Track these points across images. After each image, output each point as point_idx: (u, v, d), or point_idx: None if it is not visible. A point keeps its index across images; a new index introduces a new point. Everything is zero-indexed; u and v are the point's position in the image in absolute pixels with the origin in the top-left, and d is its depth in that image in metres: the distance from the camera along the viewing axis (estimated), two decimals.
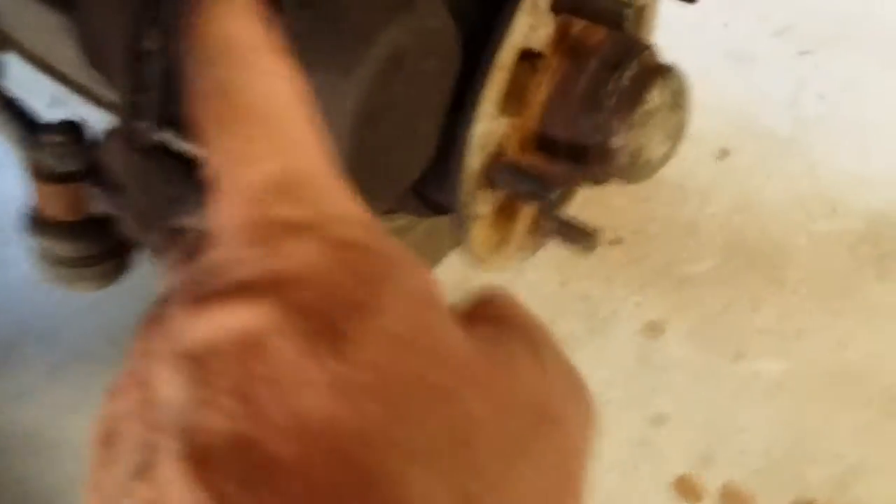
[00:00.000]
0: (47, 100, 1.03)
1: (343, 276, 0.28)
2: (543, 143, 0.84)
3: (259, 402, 0.25)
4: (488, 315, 0.35)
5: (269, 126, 0.34)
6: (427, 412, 0.26)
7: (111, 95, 1.30)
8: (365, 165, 0.68)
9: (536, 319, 0.37)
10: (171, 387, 0.27)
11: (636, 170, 0.84)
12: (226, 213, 0.33)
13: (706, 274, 1.81)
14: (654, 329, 1.69)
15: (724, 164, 1.98)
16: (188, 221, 0.75)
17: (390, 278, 0.29)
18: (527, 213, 0.90)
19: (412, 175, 0.75)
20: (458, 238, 1.54)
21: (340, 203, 0.33)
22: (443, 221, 1.42)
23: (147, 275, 1.18)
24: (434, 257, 1.37)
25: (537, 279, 1.74)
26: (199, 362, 0.26)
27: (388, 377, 0.26)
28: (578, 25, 0.83)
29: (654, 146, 0.83)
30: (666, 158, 0.85)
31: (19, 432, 1.50)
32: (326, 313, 0.27)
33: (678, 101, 0.84)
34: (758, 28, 2.14)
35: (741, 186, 1.93)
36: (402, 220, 1.07)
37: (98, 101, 1.36)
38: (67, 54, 1.27)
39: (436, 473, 0.25)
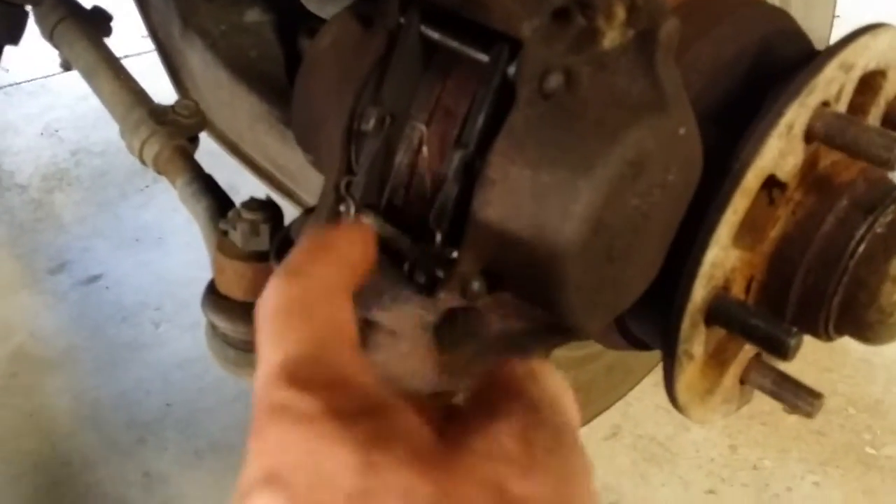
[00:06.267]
0: (223, 186, 1.02)
1: (312, 455, 0.35)
2: (773, 285, 0.75)
3: None
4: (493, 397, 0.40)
5: (303, 316, 0.40)
6: None
7: (298, 186, 1.30)
8: (585, 279, 0.60)
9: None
10: None
11: (883, 330, 0.73)
12: (254, 396, 0.39)
13: (893, 461, 1.62)
14: None
15: None
16: (381, 316, 0.69)
17: (350, 439, 0.35)
18: (739, 362, 0.79)
19: (631, 298, 0.66)
20: (639, 378, 1.44)
21: (328, 368, 0.38)
22: (629, 358, 1.32)
23: None
24: (611, 394, 1.27)
25: (704, 439, 1.59)
26: None
27: None
28: (829, 158, 0.74)
29: None
30: None
31: None
32: (312, 495, 0.34)
33: None
34: None
35: None
36: (591, 349, 0.98)
37: (280, 189, 1.35)
38: (261, 140, 1.28)
39: None
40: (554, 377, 0.41)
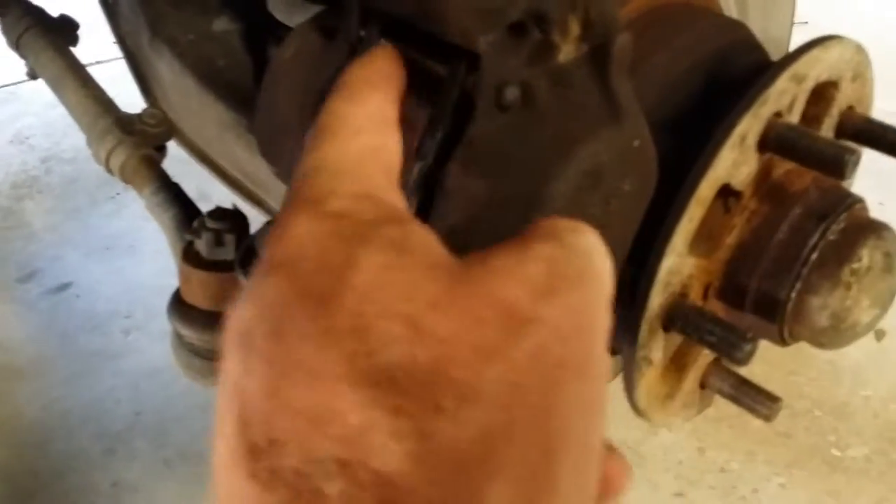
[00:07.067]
0: (193, 194, 1.03)
1: (326, 246, 0.34)
2: (729, 292, 0.76)
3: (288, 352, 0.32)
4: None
5: (337, 130, 0.42)
6: (392, 342, 0.31)
7: (267, 195, 1.30)
8: None
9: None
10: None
11: (835, 335, 0.74)
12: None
13: (857, 463, 1.65)
14: None
15: (882, 346, 1.84)
16: None
17: (367, 240, 0.34)
18: (698, 367, 0.81)
19: None
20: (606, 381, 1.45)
21: (359, 183, 0.39)
22: None
23: None
24: None
25: (672, 442, 1.61)
26: (245, 337, 0.34)
27: (366, 320, 0.31)
28: (783, 167, 0.75)
29: (860, 311, 0.74)
30: (870, 327, 0.76)
31: None
32: (315, 278, 0.33)
33: (891, 263, 0.74)
34: None
35: None
36: None
37: (250, 198, 1.35)
38: (230, 149, 1.28)
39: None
40: (597, 239, 0.39)
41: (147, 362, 1.68)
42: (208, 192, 1.42)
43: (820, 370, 1.82)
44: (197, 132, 1.29)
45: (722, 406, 0.93)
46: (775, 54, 0.91)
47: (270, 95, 0.75)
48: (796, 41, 1.34)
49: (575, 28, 0.62)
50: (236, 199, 1.32)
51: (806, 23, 1.22)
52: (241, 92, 1.25)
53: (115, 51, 1.64)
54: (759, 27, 0.98)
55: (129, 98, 1.24)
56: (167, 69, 1.30)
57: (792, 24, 1.08)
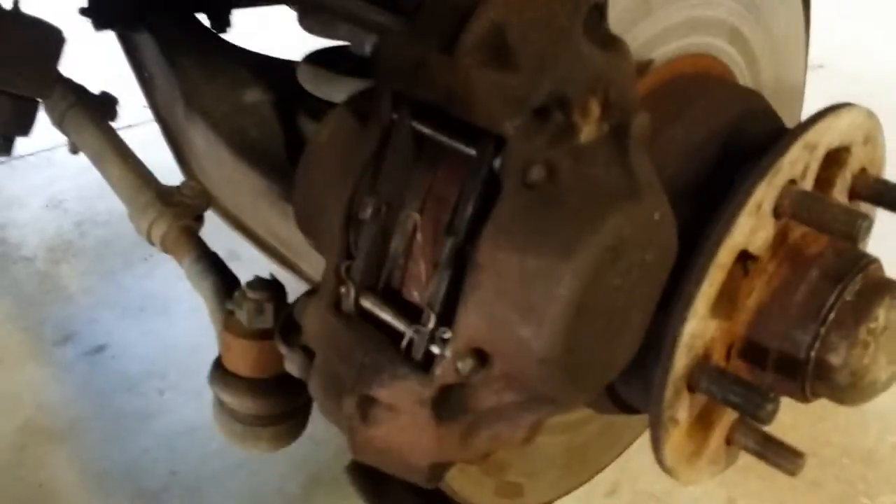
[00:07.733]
0: (224, 254, 1.07)
1: None
2: (751, 352, 0.79)
3: None
4: None
5: None
6: None
7: (301, 260, 1.34)
8: (571, 357, 0.65)
9: None
10: None
11: (855, 392, 0.76)
12: None
13: None
14: None
15: None
16: (381, 392, 0.73)
17: None
18: (724, 424, 0.83)
19: (616, 371, 0.70)
20: (630, 440, 1.48)
21: None
22: (619, 421, 1.35)
23: (301, 443, 1.16)
24: (610, 452, 1.30)
25: (702, 493, 1.62)
26: None
27: None
28: (799, 230, 0.78)
29: (878, 369, 0.76)
30: (888, 384, 0.78)
31: None
32: None
33: None
34: None
35: None
36: (579, 414, 1.02)
37: (283, 262, 1.40)
38: (264, 216, 1.33)
39: None
40: None
41: (182, 421, 1.72)
42: (238, 252, 1.47)
43: (847, 417, 1.82)
44: (231, 200, 1.34)
45: (750, 456, 0.95)
46: (791, 100, 0.94)
47: (308, 176, 0.79)
48: (814, 85, 1.36)
49: (595, 109, 0.66)
50: (268, 263, 1.37)
51: (822, 66, 1.23)
52: (273, 161, 1.30)
53: (146, 115, 1.70)
54: (771, 75, 1.01)
55: (160, 162, 1.29)
56: (202, 139, 1.36)
57: (805, 68, 1.10)
